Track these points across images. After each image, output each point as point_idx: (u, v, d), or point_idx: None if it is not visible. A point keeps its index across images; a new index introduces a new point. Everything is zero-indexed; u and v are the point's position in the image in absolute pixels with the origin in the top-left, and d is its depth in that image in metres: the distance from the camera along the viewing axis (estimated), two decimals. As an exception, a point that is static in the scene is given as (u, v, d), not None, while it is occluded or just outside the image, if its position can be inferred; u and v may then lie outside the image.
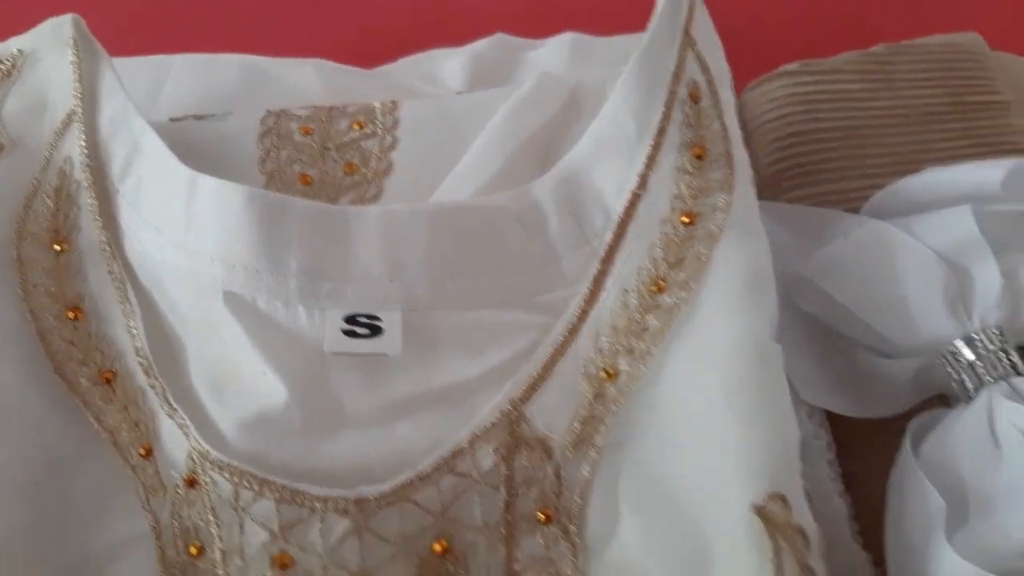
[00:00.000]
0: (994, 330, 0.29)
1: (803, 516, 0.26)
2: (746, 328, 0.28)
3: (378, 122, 0.35)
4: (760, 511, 0.25)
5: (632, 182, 0.30)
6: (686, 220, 0.30)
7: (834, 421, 0.33)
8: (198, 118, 0.37)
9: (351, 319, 0.29)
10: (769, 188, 0.40)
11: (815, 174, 0.39)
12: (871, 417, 0.32)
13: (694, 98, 0.32)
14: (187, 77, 0.41)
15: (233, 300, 0.29)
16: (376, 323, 0.29)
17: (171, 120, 0.37)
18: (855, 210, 0.37)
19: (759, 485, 0.26)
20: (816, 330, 0.33)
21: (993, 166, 0.31)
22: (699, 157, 0.31)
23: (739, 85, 0.44)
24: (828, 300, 0.32)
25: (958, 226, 0.31)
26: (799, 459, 0.27)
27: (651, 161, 0.31)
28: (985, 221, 0.31)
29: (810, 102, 0.40)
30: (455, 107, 0.36)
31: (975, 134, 0.39)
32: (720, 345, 0.28)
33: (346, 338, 0.28)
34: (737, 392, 0.27)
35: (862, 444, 0.33)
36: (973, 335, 0.30)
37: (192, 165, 0.31)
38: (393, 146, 0.34)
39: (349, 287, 0.29)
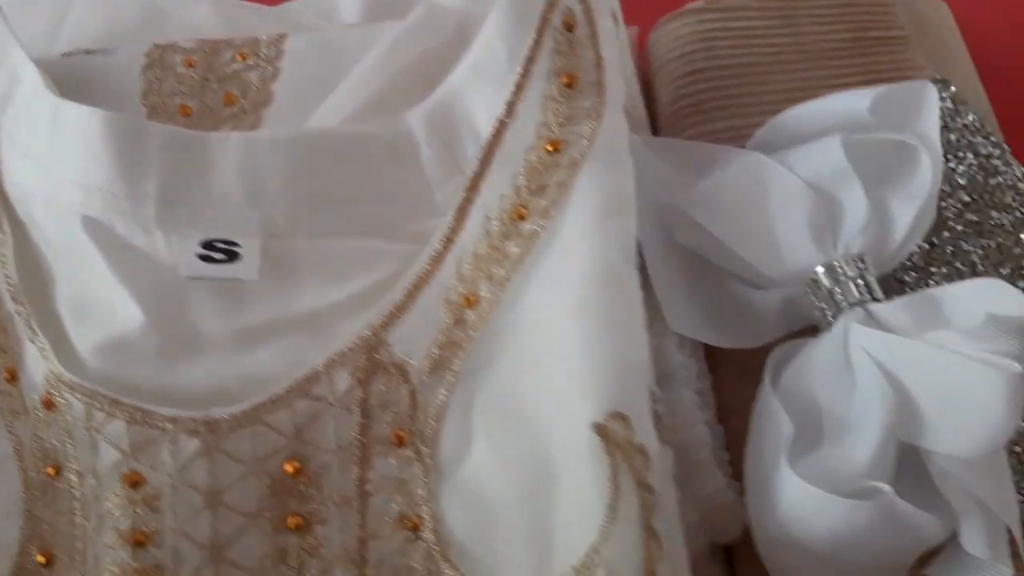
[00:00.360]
0: (855, 257, 0.30)
1: (646, 436, 0.26)
2: (598, 252, 0.28)
3: (262, 54, 0.35)
4: (600, 429, 0.26)
5: (500, 109, 0.30)
6: (550, 148, 0.30)
7: (713, 353, 0.34)
8: (88, 52, 0.37)
9: (208, 244, 0.29)
10: (669, 126, 0.40)
11: (712, 111, 0.39)
12: (741, 348, 0.32)
13: (568, 26, 0.32)
14: (88, 13, 0.41)
15: (91, 225, 0.29)
16: (234, 249, 0.29)
17: (63, 55, 0.37)
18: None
19: (601, 404, 0.26)
20: (691, 263, 0.33)
21: (861, 95, 0.31)
22: (568, 85, 0.31)
23: (653, 22, 0.44)
24: (702, 232, 0.32)
25: (828, 156, 0.31)
26: (647, 382, 0.27)
27: (519, 88, 0.30)
28: (855, 150, 0.31)
29: (711, 39, 0.40)
30: (341, 39, 0.36)
31: (873, 69, 0.39)
32: (573, 269, 0.28)
33: (202, 263, 0.28)
34: (585, 314, 0.27)
35: (737, 376, 0.33)
36: (834, 263, 0.30)
37: (77, 98, 0.31)
38: (274, 77, 0.34)
39: (207, 212, 0.29)
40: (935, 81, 0.38)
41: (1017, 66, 0.45)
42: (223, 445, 0.27)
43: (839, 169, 0.31)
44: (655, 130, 0.41)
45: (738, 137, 0.38)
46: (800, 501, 0.26)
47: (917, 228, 0.31)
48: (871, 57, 0.39)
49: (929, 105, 0.32)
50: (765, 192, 0.31)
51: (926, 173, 0.30)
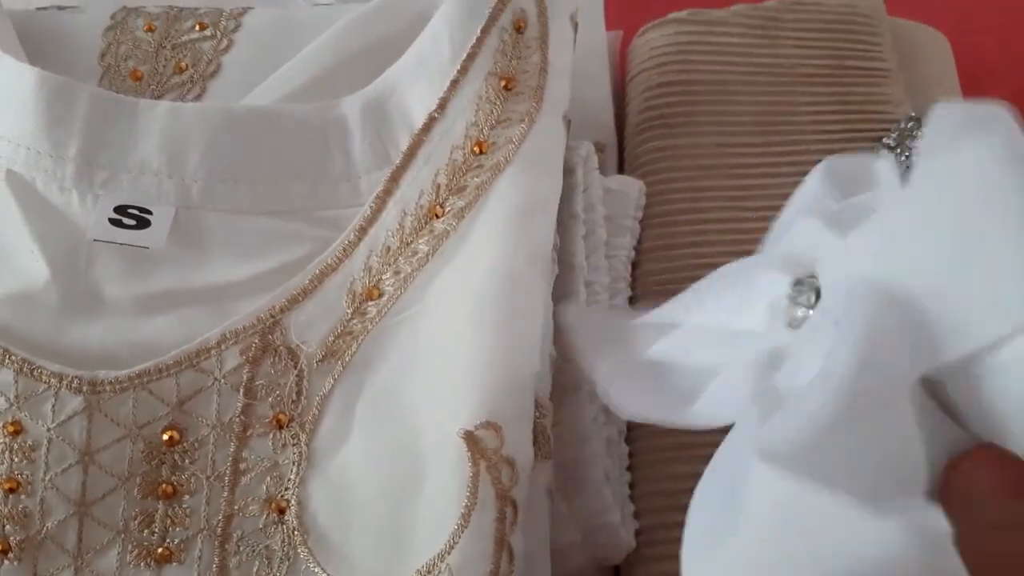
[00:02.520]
0: None
1: (517, 448, 0.26)
2: (502, 257, 0.28)
3: (221, 24, 0.35)
4: (467, 436, 0.25)
5: (431, 104, 0.30)
6: (477, 149, 0.29)
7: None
8: (60, 8, 0.38)
9: (121, 209, 0.29)
10: (633, 138, 0.39)
11: (677, 126, 0.38)
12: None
13: (518, 27, 0.31)
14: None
15: (13, 178, 0.29)
16: (146, 216, 0.29)
17: (37, 9, 0.38)
18: (705, 166, 0.36)
19: (476, 412, 0.26)
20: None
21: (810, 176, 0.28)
22: (506, 87, 0.30)
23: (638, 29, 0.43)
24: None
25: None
26: (531, 393, 0.27)
27: (454, 85, 0.30)
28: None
29: (686, 52, 0.39)
30: (301, 17, 0.36)
31: (847, 100, 0.37)
32: (475, 273, 0.28)
33: (110, 226, 0.29)
34: (477, 320, 0.27)
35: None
36: None
37: (38, 53, 0.31)
38: (227, 49, 0.35)
39: (124, 177, 0.29)
40: (910, 119, 0.36)
41: (1010, 98, 0.43)
42: (104, 407, 0.27)
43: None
44: (621, 139, 0.40)
45: (698, 155, 0.37)
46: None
47: None
48: (847, 87, 0.37)
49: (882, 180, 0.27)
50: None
51: None
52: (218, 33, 0.35)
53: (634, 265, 0.35)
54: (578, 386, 0.31)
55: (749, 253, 0.34)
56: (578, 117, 0.41)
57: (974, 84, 0.39)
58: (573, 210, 0.34)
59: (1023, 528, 0.16)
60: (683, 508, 0.29)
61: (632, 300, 0.34)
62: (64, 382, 0.27)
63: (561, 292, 0.32)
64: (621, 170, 0.40)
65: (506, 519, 0.25)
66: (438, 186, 0.29)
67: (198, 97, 0.34)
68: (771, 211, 0.34)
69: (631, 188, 0.36)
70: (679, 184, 0.36)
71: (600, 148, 0.40)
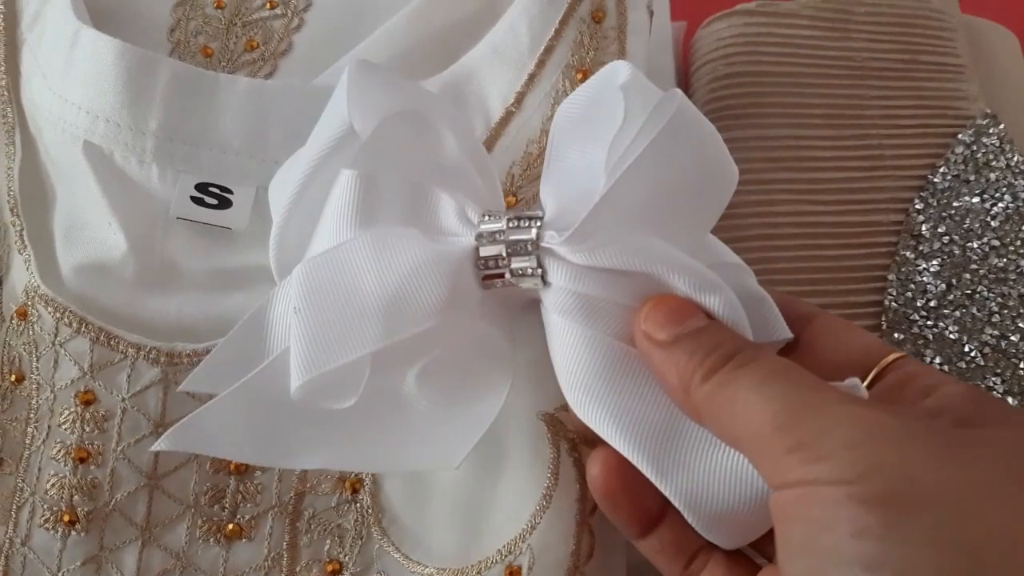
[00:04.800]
0: None
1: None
2: None
3: (291, 3, 0.35)
4: (548, 419, 0.25)
5: (510, 98, 0.30)
6: None
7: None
8: (129, -19, 0.38)
9: (203, 187, 0.29)
10: (699, 128, 0.39)
11: (744, 118, 0.37)
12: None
13: (596, 18, 0.31)
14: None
15: (91, 150, 0.29)
16: (227, 196, 0.29)
17: (106, -19, 0.38)
18: (774, 159, 0.36)
19: (555, 395, 0.25)
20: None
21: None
22: (583, 80, 0.30)
23: (702, 19, 0.42)
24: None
25: None
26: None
27: (532, 79, 0.30)
28: None
29: (755, 44, 0.39)
30: (370, -2, 0.35)
31: (921, 95, 0.37)
32: None
33: (193, 205, 0.29)
34: None
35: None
36: None
37: (108, 26, 0.31)
38: (299, 28, 0.34)
39: (205, 154, 0.29)
40: (985, 116, 0.36)
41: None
42: (180, 378, 0.27)
43: None
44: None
45: (765, 148, 0.37)
46: None
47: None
48: (920, 82, 0.37)
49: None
50: None
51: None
52: (288, 12, 0.35)
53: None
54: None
55: (818, 246, 0.33)
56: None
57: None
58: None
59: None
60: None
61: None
62: (142, 352, 0.27)
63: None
64: (684, 161, 0.39)
65: (588, 500, 0.25)
66: (512, 176, 0.29)
67: (269, 75, 0.33)
68: (842, 204, 0.34)
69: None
70: (748, 176, 0.35)
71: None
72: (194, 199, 0.29)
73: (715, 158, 0.22)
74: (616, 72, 0.23)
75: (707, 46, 0.40)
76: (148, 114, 0.29)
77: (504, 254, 0.23)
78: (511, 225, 0.23)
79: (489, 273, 0.23)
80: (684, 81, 0.41)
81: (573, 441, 0.25)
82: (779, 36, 0.38)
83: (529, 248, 0.22)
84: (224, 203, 0.29)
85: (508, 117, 0.30)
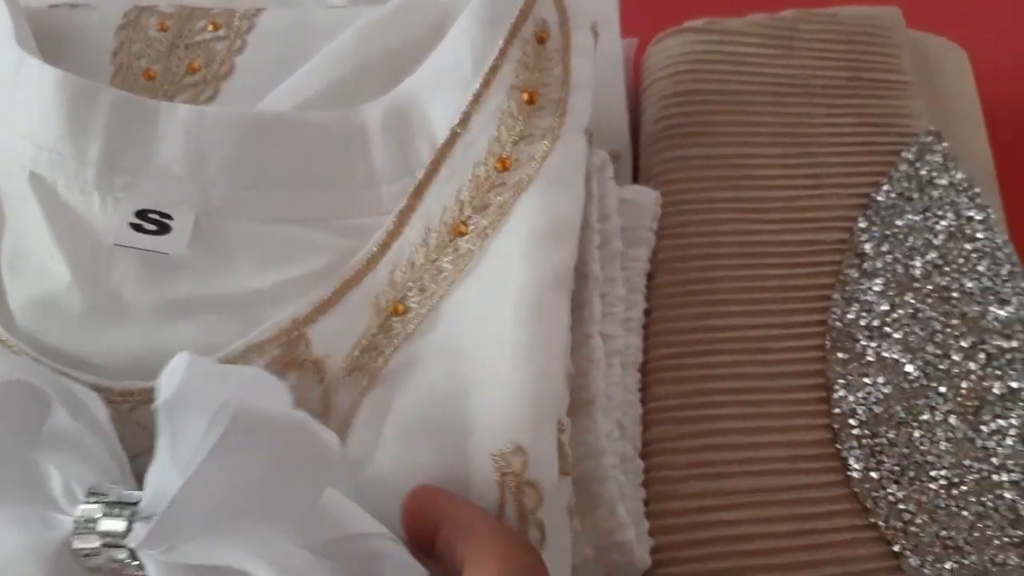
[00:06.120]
0: None
1: (542, 471, 0.25)
2: (529, 280, 0.27)
3: (234, 25, 0.34)
4: (496, 459, 0.25)
5: (455, 118, 0.30)
6: (499, 166, 0.29)
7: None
8: (73, 6, 0.37)
9: (143, 213, 0.28)
10: (648, 147, 0.39)
11: (692, 136, 0.37)
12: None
13: (540, 39, 0.31)
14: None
15: (36, 180, 0.29)
16: (166, 221, 0.28)
17: (49, 6, 0.37)
18: (720, 177, 0.36)
19: (504, 434, 0.25)
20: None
21: None
22: (529, 101, 0.30)
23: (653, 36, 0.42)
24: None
25: None
26: (557, 414, 0.27)
27: (476, 99, 0.30)
28: None
29: (702, 62, 0.39)
30: (315, 19, 0.35)
31: (864, 112, 0.37)
32: (500, 294, 0.27)
33: (131, 231, 0.28)
34: (504, 344, 0.27)
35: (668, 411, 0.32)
36: None
37: (53, 51, 0.31)
38: (240, 50, 0.34)
39: (145, 181, 0.28)
40: (928, 133, 0.36)
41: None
42: (135, 416, 0.27)
43: None
44: (636, 149, 0.40)
45: (711, 166, 0.37)
46: None
47: None
48: (864, 99, 0.37)
49: None
50: None
51: None
52: (231, 34, 0.34)
53: (648, 276, 0.35)
54: (592, 400, 0.30)
55: (762, 265, 0.34)
56: (592, 126, 0.41)
57: (992, 96, 0.39)
58: (588, 220, 0.34)
59: None
60: (697, 527, 0.29)
61: (648, 312, 0.34)
62: (98, 393, 0.26)
63: (575, 303, 0.32)
64: (636, 180, 0.39)
65: (531, 540, 0.25)
66: (461, 202, 0.29)
67: (211, 98, 0.33)
68: (786, 223, 0.35)
69: (647, 198, 0.36)
70: (694, 195, 0.36)
71: (615, 157, 0.40)
72: (133, 226, 0.28)
73: (297, 445, 0.22)
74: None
75: (656, 64, 0.40)
76: (89, 143, 0.28)
77: (98, 545, 0.22)
78: (105, 513, 0.22)
79: (91, 563, 0.22)
80: (635, 99, 0.41)
81: (515, 483, 0.25)
82: (726, 54, 0.39)
83: (120, 541, 0.22)
84: (163, 228, 0.29)
85: (454, 138, 0.29)
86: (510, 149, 0.29)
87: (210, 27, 0.35)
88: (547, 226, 0.28)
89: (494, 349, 0.27)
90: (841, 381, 0.30)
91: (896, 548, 0.28)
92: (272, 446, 0.22)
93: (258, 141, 0.29)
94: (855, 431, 0.30)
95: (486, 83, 0.30)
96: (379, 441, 0.27)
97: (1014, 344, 0.31)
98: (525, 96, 0.29)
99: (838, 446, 0.29)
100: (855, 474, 0.29)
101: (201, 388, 0.22)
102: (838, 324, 0.32)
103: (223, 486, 0.21)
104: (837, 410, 0.30)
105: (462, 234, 0.29)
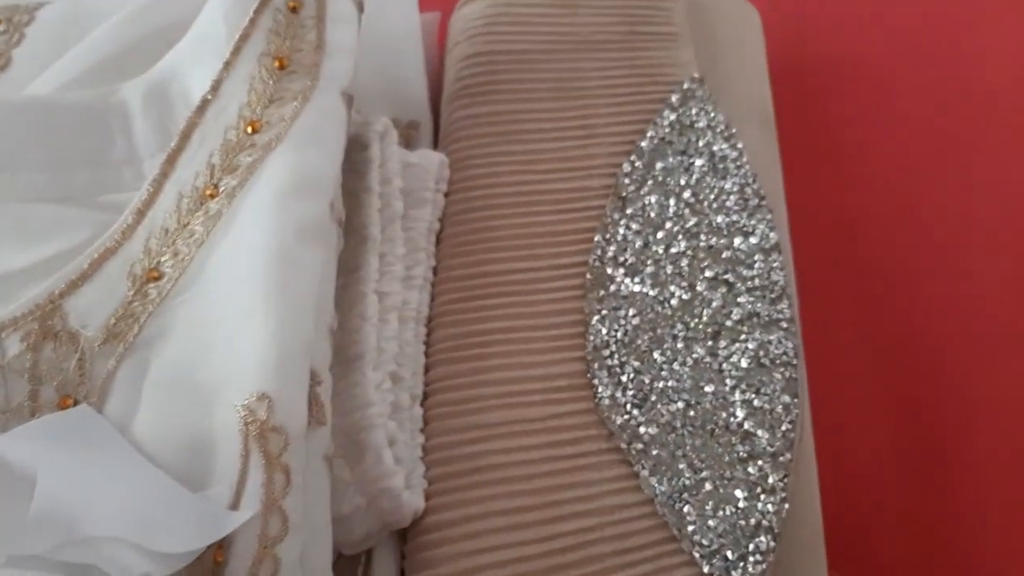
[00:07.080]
0: None
1: (289, 417, 0.27)
2: (271, 232, 0.29)
3: (14, 20, 0.36)
4: (241, 409, 0.27)
5: (207, 87, 0.31)
6: (250, 129, 0.31)
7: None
8: None
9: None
10: (444, 109, 0.41)
11: (480, 95, 0.39)
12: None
13: (293, 8, 0.32)
14: None
15: None
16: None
17: None
18: (501, 132, 0.38)
19: (249, 384, 0.27)
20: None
21: None
22: (280, 67, 0.31)
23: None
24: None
25: None
26: (306, 364, 0.28)
27: (227, 67, 0.31)
28: None
29: (493, 24, 0.40)
30: (93, 7, 0.36)
31: (637, 64, 0.39)
32: (247, 249, 0.29)
33: None
34: (248, 297, 0.28)
35: (445, 352, 0.34)
36: None
37: None
38: (18, 43, 0.35)
39: None
40: (692, 80, 0.38)
41: (813, 68, 0.45)
42: None
43: None
44: (436, 111, 0.42)
45: (498, 122, 0.39)
46: None
47: None
48: (637, 52, 0.39)
49: None
50: None
51: None
52: (11, 28, 0.35)
53: (439, 232, 0.37)
54: (362, 355, 0.32)
55: (536, 212, 0.36)
56: (393, 95, 0.42)
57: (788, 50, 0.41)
58: (368, 184, 0.35)
59: None
60: (462, 458, 0.31)
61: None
62: None
63: (354, 264, 0.34)
64: (436, 142, 0.41)
65: (275, 484, 0.27)
66: (212, 166, 0.30)
67: (-11, 91, 0.34)
68: (558, 172, 0.37)
69: (431, 161, 0.37)
70: (478, 151, 0.38)
71: (415, 126, 0.42)
72: (-98, 222, 0.30)
73: None
74: None
75: (456, 29, 0.42)
76: None
77: None
78: None
79: None
80: (440, 68, 0.43)
81: (259, 430, 0.27)
82: (514, 15, 0.40)
83: None
84: None
85: (204, 105, 0.31)
86: (260, 112, 0.31)
87: (-7, 22, 0.36)
88: (292, 181, 0.30)
89: (240, 304, 0.28)
90: (597, 316, 0.33)
91: (635, 468, 0.30)
92: None
93: (12, 124, 0.30)
94: (608, 362, 0.32)
95: (236, 51, 0.31)
96: (138, 406, 0.29)
97: (754, 272, 0.33)
98: (276, 63, 0.31)
99: (589, 376, 0.32)
100: (604, 401, 0.31)
101: None
102: (597, 264, 0.34)
103: None
104: (591, 343, 0.32)
105: (212, 196, 0.30)
